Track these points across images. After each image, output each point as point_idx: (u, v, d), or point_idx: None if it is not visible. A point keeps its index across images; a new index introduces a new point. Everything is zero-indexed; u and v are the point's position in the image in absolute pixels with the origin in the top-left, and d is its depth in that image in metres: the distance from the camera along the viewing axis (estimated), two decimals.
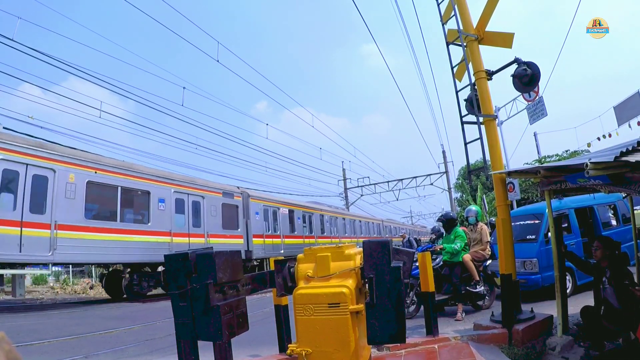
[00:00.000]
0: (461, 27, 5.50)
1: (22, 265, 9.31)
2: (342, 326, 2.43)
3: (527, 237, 7.02)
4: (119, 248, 9.81)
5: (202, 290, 2.34)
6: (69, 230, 8.67)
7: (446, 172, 28.06)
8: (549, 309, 5.11)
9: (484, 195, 20.03)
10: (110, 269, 11.96)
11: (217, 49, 12.72)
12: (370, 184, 30.52)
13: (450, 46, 5.81)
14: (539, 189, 4.84)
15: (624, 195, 6.75)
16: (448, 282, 6.18)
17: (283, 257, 3.10)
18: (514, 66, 5.46)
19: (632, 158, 2.98)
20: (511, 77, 5.50)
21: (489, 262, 6.52)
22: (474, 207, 7.12)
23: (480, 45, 5.57)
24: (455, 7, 5.56)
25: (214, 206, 13.34)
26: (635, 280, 5.55)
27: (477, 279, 6.13)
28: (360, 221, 27.97)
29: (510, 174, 5.25)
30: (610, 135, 13.23)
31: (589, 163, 3.14)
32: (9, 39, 9.23)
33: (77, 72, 10.89)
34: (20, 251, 7.73)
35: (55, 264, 13.03)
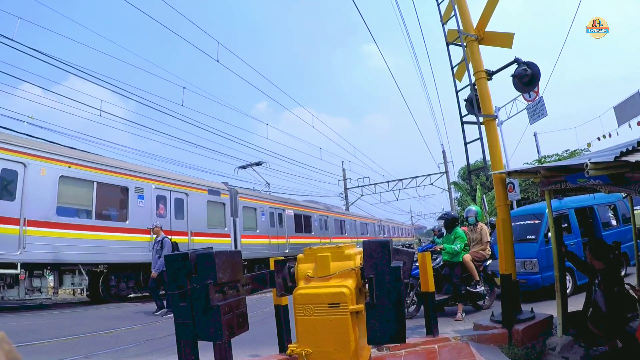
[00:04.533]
0: (461, 27, 5.50)
1: None
2: (342, 326, 2.43)
3: (527, 237, 7.02)
4: None
5: (202, 290, 2.34)
6: None
7: (446, 172, 28.06)
8: (549, 309, 5.11)
9: (484, 195, 20.02)
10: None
11: (217, 49, 12.67)
12: (370, 184, 30.53)
13: (450, 46, 5.81)
14: (539, 189, 4.84)
15: (624, 195, 6.75)
16: (448, 282, 6.18)
17: (283, 257, 3.10)
18: (514, 66, 5.46)
19: (632, 158, 2.98)
20: (511, 77, 5.50)
21: (489, 262, 6.53)
22: (474, 207, 7.12)
23: (480, 45, 5.57)
24: (455, 7, 5.56)
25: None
26: (636, 280, 5.58)
27: (477, 279, 6.13)
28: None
29: (510, 174, 5.25)
30: (610, 135, 13.23)
31: (589, 163, 3.14)
32: (9, 39, 9.23)
33: (78, 72, 10.88)
34: None
35: None
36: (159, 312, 7.62)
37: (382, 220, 33.27)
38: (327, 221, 22.37)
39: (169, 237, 8.52)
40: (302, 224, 19.39)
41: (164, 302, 7.71)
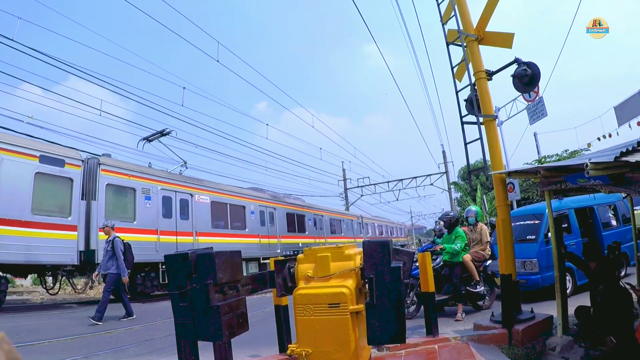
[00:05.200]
0: (461, 27, 5.51)
1: None
2: (342, 326, 2.43)
3: (527, 237, 7.02)
4: None
5: (202, 290, 2.34)
6: None
7: (446, 172, 28.06)
8: (549, 309, 5.11)
9: (484, 195, 20.02)
10: None
11: (217, 49, 12.60)
12: (370, 184, 30.54)
13: (450, 46, 5.81)
14: (539, 189, 4.85)
15: (624, 195, 6.76)
16: (448, 282, 6.18)
17: (282, 257, 3.10)
18: (514, 66, 5.46)
19: (632, 158, 2.99)
20: (511, 77, 5.50)
21: (489, 262, 6.53)
22: (473, 208, 7.12)
23: (480, 46, 5.57)
24: (455, 7, 5.56)
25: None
26: (636, 280, 5.59)
27: (477, 279, 6.13)
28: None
29: (510, 174, 5.25)
30: (610, 135, 13.23)
31: (589, 163, 3.14)
32: (9, 39, 9.25)
33: (77, 72, 10.90)
34: None
35: None
36: (126, 318, 7.17)
37: (363, 217, 28.26)
38: (275, 214, 16.67)
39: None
40: (228, 216, 13.87)
41: (131, 308, 7.30)
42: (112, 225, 7.51)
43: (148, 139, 13.23)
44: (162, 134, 13.19)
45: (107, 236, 7.41)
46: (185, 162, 13.88)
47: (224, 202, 13.86)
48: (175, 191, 11.91)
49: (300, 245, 17.91)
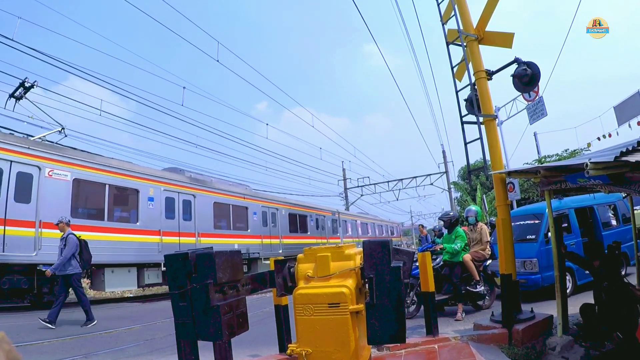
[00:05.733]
0: (461, 27, 5.51)
1: None
2: (342, 326, 2.43)
3: (527, 237, 7.02)
4: None
5: (202, 290, 2.34)
6: None
7: (446, 172, 28.06)
8: (549, 309, 5.11)
9: (484, 195, 20.01)
10: None
11: (217, 49, 12.52)
12: (370, 184, 30.54)
13: (450, 46, 5.81)
14: (539, 189, 4.85)
15: (624, 195, 6.76)
16: (448, 282, 6.18)
17: (283, 257, 3.10)
18: (514, 66, 5.46)
19: (632, 158, 2.99)
20: (511, 77, 5.50)
21: (489, 262, 6.53)
22: (473, 207, 7.12)
23: (480, 45, 5.57)
24: (455, 7, 5.56)
25: None
26: (636, 280, 5.60)
27: (477, 279, 6.13)
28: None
29: (510, 174, 5.25)
30: (610, 135, 13.24)
31: (589, 163, 3.14)
32: (9, 39, 9.24)
33: (78, 72, 10.87)
34: None
35: None
36: (47, 322, 6.32)
37: (340, 213, 22.82)
38: (194, 204, 12.28)
39: None
40: (106, 203, 9.80)
41: (56, 313, 6.45)
42: (67, 221, 6.80)
43: (14, 96, 9.71)
44: (25, 87, 9.61)
45: (62, 232, 6.72)
46: (64, 128, 10.21)
47: (98, 181, 9.69)
48: (11, 161, 7.97)
49: (236, 247, 13.41)
